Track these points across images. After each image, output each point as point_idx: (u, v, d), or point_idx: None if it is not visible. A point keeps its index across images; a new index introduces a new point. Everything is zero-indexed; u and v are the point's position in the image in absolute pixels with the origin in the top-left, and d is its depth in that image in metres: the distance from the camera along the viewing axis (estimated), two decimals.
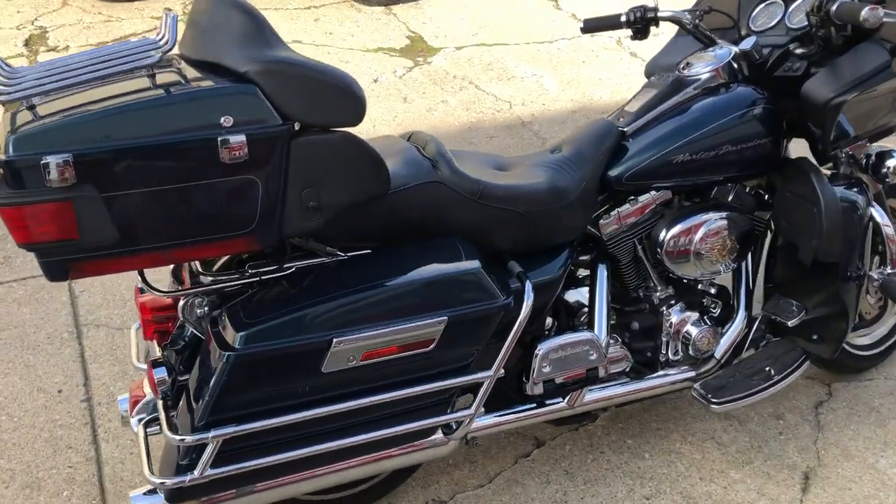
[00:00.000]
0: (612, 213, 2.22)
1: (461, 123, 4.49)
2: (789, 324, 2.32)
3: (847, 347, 2.63)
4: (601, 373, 2.20)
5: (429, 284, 1.81)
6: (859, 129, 2.24)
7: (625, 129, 2.23)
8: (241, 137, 1.55)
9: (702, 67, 2.28)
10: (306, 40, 5.44)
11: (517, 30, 5.69)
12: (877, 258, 2.47)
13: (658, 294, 2.32)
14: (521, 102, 4.73)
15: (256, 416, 1.74)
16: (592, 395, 2.24)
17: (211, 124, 1.54)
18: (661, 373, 2.35)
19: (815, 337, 2.36)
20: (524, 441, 2.50)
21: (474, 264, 1.86)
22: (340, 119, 1.67)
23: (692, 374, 2.36)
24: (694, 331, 2.31)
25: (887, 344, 2.76)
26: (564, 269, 2.13)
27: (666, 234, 2.21)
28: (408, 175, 1.90)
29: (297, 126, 1.63)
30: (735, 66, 2.28)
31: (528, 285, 1.97)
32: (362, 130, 4.30)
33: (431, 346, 1.83)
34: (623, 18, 2.47)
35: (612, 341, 2.26)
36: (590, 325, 2.21)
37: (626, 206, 2.22)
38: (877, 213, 2.31)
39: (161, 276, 1.92)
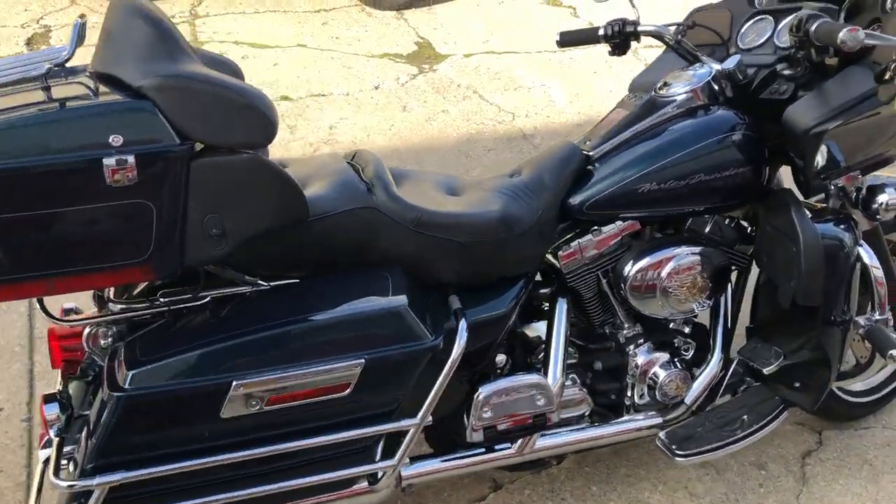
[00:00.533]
0: (573, 244, 2.04)
1: (459, 134, 4.32)
2: (765, 371, 2.11)
3: (838, 393, 2.42)
4: (553, 418, 2.00)
5: (345, 322, 1.66)
6: (850, 159, 2.03)
7: (590, 154, 2.06)
8: (131, 158, 1.42)
9: (679, 87, 2.09)
10: (311, 45, 5.30)
11: (530, 38, 5.50)
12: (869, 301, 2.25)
13: (624, 332, 2.13)
14: (525, 114, 4.54)
15: (149, 462, 1.59)
16: (545, 442, 2.05)
17: (97, 143, 1.41)
18: (625, 418, 2.16)
19: (796, 385, 2.16)
20: (480, 483, 2.33)
21: (399, 300, 1.70)
22: (246, 139, 1.53)
23: (659, 420, 2.16)
24: (661, 374, 2.11)
25: (886, 390, 2.53)
26: (515, 304, 1.96)
27: (631, 269, 2.03)
28: (339, 199, 1.75)
29: (198, 146, 1.49)
30: (716, 86, 2.09)
31: (463, 324, 1.80)
32: (355, 139, 4.23)
33: (347, 391, 1.67)
34: (601, 32, 2.29)
35: (569, 383, 2.07)
36: (545, 365, 2.03)
37: (588, 236, 2.04)
38: (864, 252, 2.09)
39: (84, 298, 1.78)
